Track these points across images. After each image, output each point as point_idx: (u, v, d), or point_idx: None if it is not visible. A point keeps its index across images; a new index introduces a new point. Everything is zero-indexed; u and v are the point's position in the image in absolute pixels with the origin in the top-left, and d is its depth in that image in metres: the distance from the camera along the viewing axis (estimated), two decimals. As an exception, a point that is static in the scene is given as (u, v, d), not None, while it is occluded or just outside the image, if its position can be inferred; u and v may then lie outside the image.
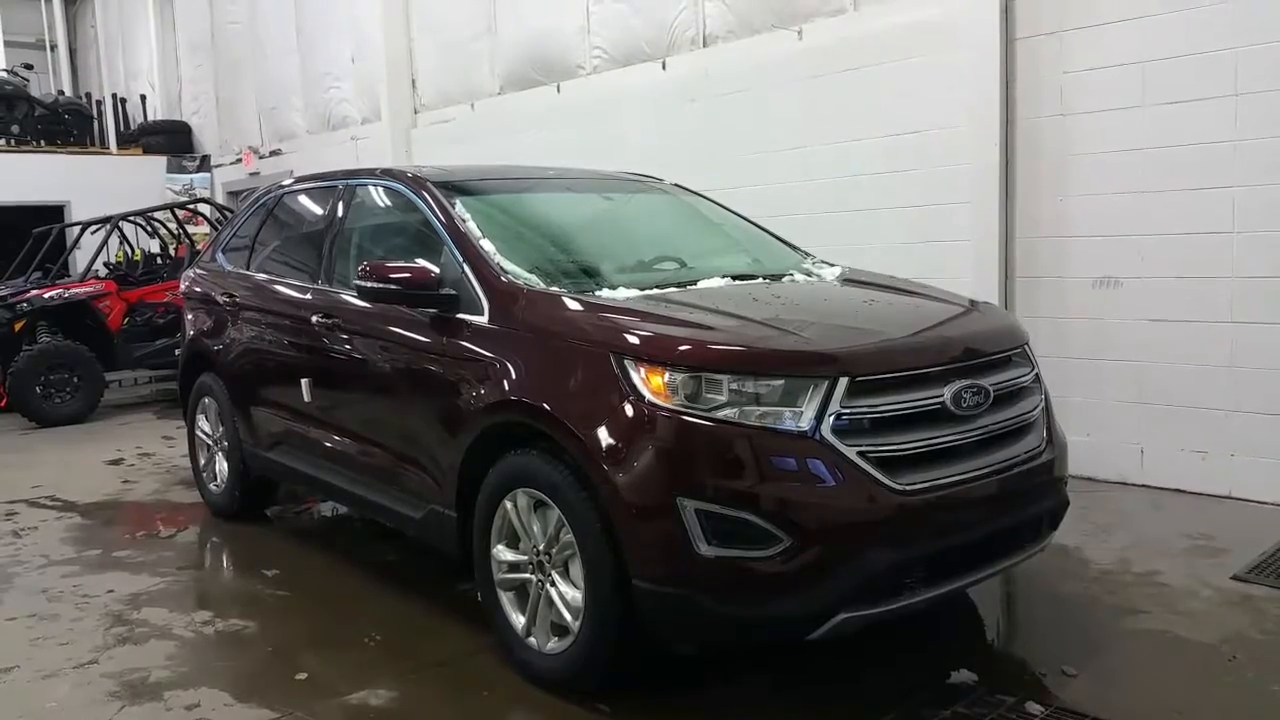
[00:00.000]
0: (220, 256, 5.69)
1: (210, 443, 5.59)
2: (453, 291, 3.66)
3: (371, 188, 4.63)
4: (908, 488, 2.90)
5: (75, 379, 9.04)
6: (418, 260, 3.80)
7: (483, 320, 3.54)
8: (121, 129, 15.76)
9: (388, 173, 4.56)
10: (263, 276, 5.14)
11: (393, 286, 3.70)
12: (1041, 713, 3.02)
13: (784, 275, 4.05)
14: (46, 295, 9.31)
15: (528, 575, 3.34)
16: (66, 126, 14.97)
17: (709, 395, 2.91)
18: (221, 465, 5.50)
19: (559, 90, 8.74)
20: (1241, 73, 4.89)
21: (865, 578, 2.86)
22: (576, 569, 3.12)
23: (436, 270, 3.70)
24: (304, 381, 4.55)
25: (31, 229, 11.15)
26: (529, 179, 4.74)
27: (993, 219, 5.76)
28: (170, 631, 3.94)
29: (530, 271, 3.65)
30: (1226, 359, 5.07)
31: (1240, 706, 3.09)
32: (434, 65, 10.13)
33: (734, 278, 3.85)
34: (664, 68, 7.78)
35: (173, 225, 11.40)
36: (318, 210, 4.98)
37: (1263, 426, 4.98)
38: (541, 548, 3.27)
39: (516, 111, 9.05)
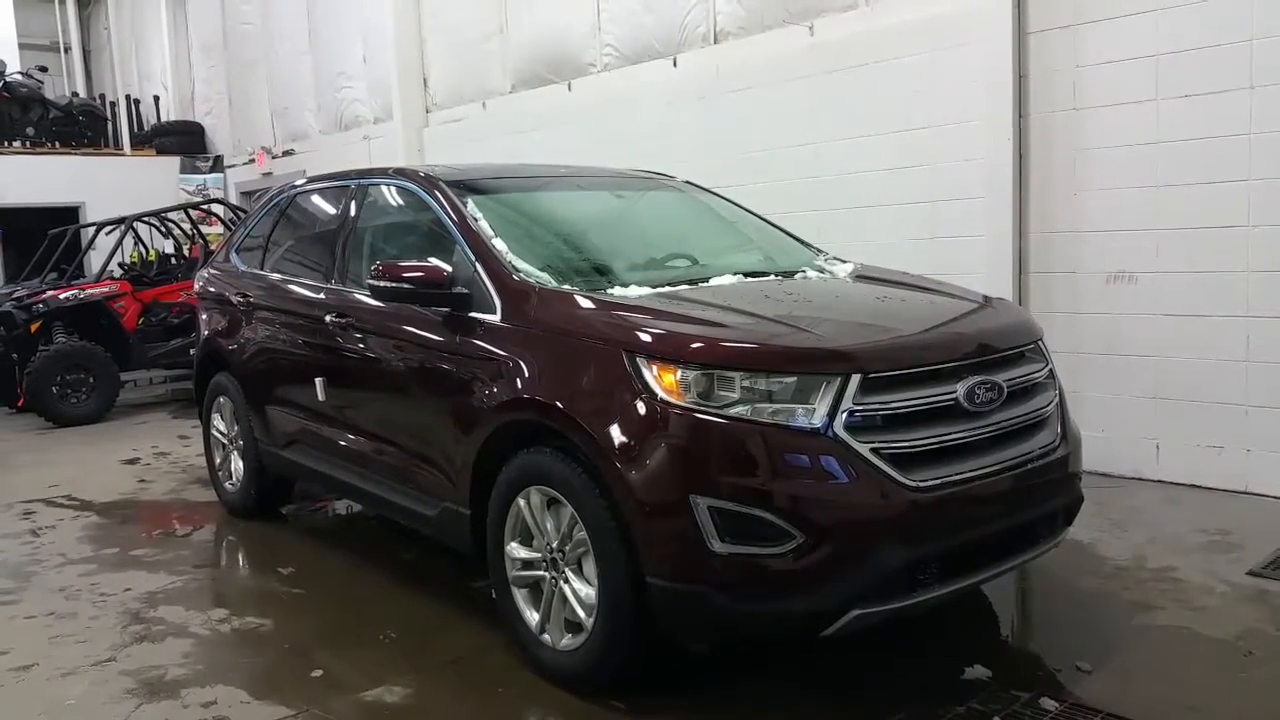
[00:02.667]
0: (234, 256, 5.72)
1: (225, 442, 5.62)
2: (465, 290, 3.67)
3: (384, 187, 4.65)
4: (921, 484, 2.90)
5: (91, 379, 9.10)
6: (430, 259, 3.81)
7: (495, 319, 3.54)
8: (135, 130, 15.85)
9: (400, 172, 4.57)
10: (276, 276, 5.17)
11: (405, 286, 3.71)
12: (1056, 708, 3.01)
13: (796, 272, 4.05)
14: (62, 296, 9.37)
15: (541, 572, 3.35)
16: (81, 128, 15.05)
17: (722, 393, 2.91)
18: (237, 464, 5.53)
19: (570, 88, 8.74)
20: (1256, 65, 4.85)
21: (878, 574, 2.86)
22: (590, 566, 3.13)
23: (449, 269, 3.71)
24: (318, 380, 4.56)
25: (47, 230, 11.22)
26: (540, 177, 4.74)
27: (1006, 214, 5.74)
28: (187, 629, 3.97)
29: (542, 270, 3.66)
30: (1242, 353, 5.04)
31: (1256, 702, 3.07)
32: (446, 65, 10.15)
33: (746, 275, 3.85)
34: (675, 65, 7.78)
35: (187, 225, 11.45)
36: (331, 210, 5.00)
37: (1279, 421, 4.95)
38: (555, 545, 3.28)
39: (528, 110, 9.06)
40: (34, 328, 9.20)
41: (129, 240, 10.99)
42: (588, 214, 4.55)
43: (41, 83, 15.09)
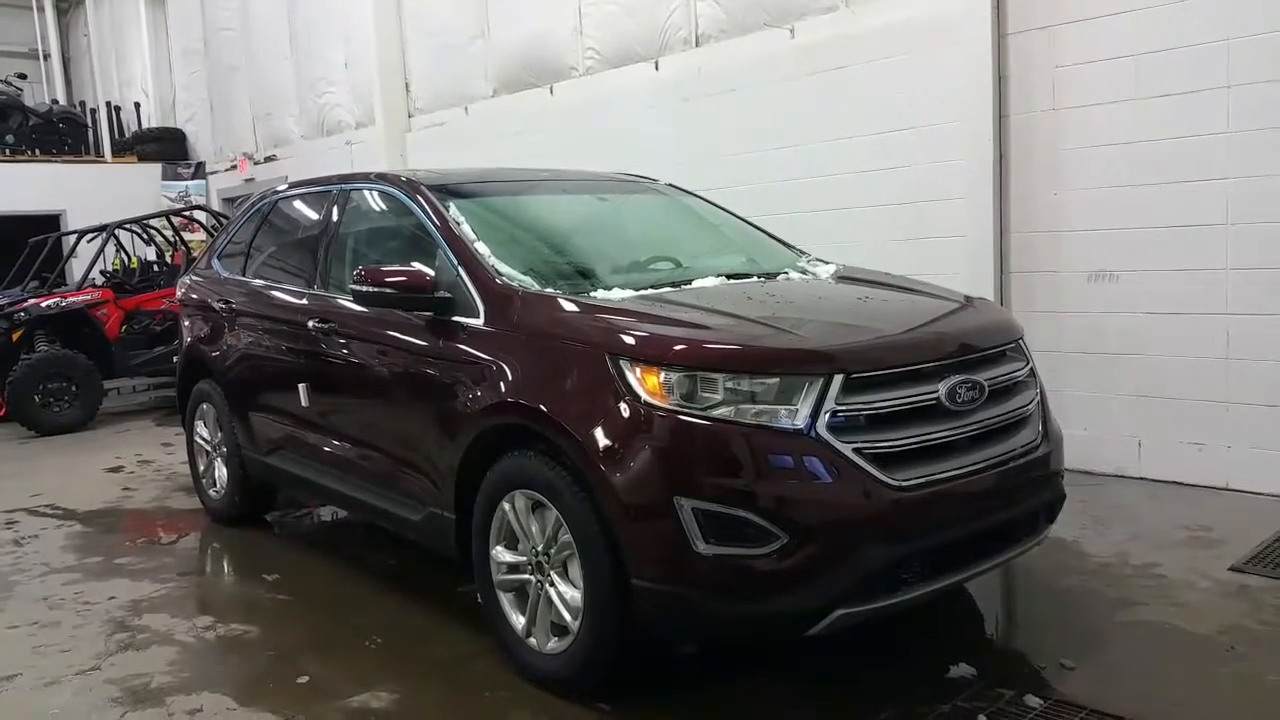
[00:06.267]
0: (216, 263, 5.70)
1: (209, 449, 5.60)
2: (448, 295, 3.66)
3: (366, 192, 4.64)
4: (904, 483, 2.91)
5: (74, 387, 9.05)
6: (413, 264, 3.81)
7: (478, 323, 3.54)
8: (116, 137, 15.74)
9: (382, 177, 4.56)
10: (259, 282, 5.15)
11: (388, 290, 3.71)
12: (1040, 705, 3.03)
13: (779, 273, 4.06)
14: (44, 304, 9.31)
15: (527, 576, 3.35)
16: (61, 135, 14.95)
17: (705, 394, 2.91)
18: (221, 471, 5.50)
19: (552, 92, 8.75)
20: (1233, 65, 4.90)
21: (862, 574, 2.87)
22: (575, 569, 3.13)
23: (431, 274, 3.71)
24: (301, 386, 4.55)
25: (27, 238, 11.15)
26: (523, 181, 4.74)
27: (987, 214, 5.77)
28: (172, 637, 3.95)
29: (525, 273, 3.66)
30: (1222, 351, 5.08)
31: (1238, 697, 3.10)
32: (427, 69, 10.14)
33: (729, 277, 3.85)
34: (657, 68, 7.79)
35: (169, 232, 11.41)
36: (312, 215, 4.99)
37: (1259, 418, 4.99)
38: (540, 548, 3.28)
39: (510, 114, 9.06)
40: (16, 336, 9.16)
41: (111, 248, 10.93)
42: (571, 217, 4.55)
43: (20, 90, 15.00)
